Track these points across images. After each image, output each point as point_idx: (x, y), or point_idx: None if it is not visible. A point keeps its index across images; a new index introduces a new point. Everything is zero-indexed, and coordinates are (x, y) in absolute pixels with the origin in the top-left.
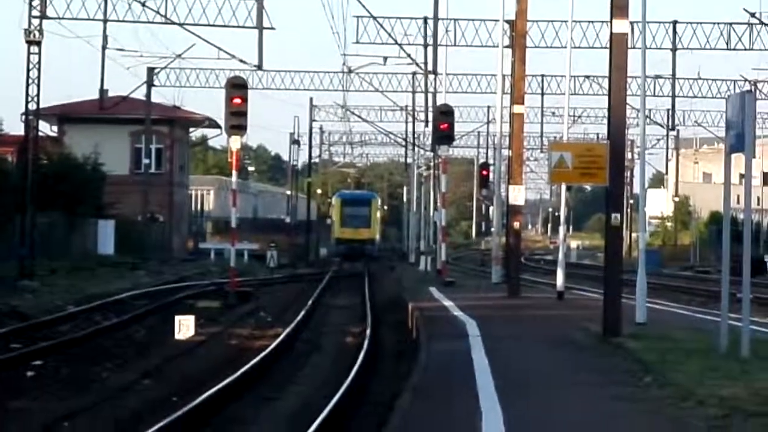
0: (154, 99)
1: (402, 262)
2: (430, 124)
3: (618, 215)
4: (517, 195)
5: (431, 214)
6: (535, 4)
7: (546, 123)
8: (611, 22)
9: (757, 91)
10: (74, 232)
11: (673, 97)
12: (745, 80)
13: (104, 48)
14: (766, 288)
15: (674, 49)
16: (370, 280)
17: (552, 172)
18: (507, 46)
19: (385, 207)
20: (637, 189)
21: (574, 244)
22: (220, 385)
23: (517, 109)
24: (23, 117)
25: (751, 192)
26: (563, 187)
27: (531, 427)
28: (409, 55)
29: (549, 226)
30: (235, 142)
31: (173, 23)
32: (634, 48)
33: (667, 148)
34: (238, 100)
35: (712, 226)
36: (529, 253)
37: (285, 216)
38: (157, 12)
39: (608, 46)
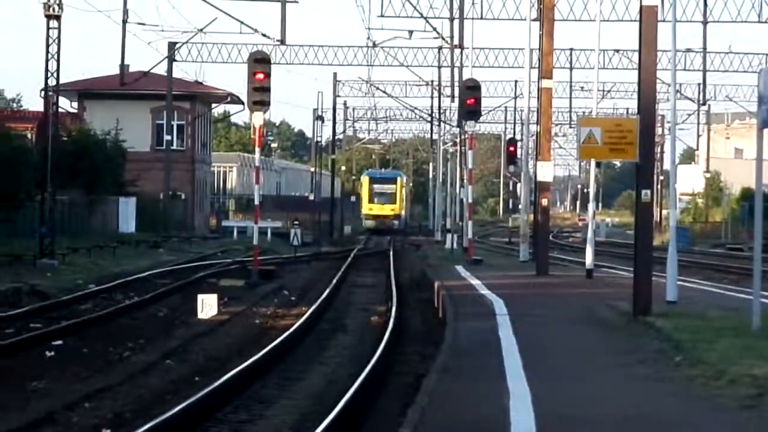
0: (176, 74)
1: (428, 239)
2: (456, 100)
3: (648, 191)
4: (546, 171)
5: (457, 191)
6: None
7: (575, 98)
8: None
9: None
10: (95, 210)
11: (704, 71)
12: None
13: (125, 22)
14: None
15: (705, 22)
16: (396, 259)
17: (581, 147)
18: (535, 20)
19: (410, 184)
20: (667, 165)
21: (607, 219)
22: (243, 365)
23: (545, 83)
24: (43, 93)
25: None
26: (592, 163)
27: (559, 408)
28: (434, 29)
29: (578, 203)
30: (258, 118)
31: None
32: (664, 21)
33: (698, 123)
34: (260, 76)
35: (744, 203)
36: (557, 231)
37: (309, 193)
38: None
39: (638, 19)
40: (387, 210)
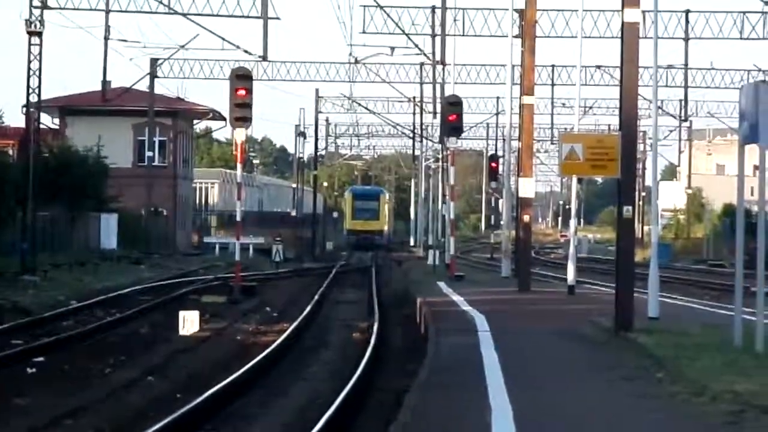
0: (158, 90)
1: (409, 255)
2: (438, 116)
3: (630, 208)
4: (527, 187)
5: (439, 207)
6: None
7: (556, 114)
8: (623, 10)
9: None
10: (76, 226)
11: (686, 87)
12: (759, 70)
13: (106, 39)
14: None
15: (687, 39)
16: (378, 275)
17: (563, 163)
18: (516, 36)
19: (393, 200)
20: (649, 181)
21: (585, 236)
22: (225, 382)
23: (526, 100)
24: (24, 109)
25: (766, 183)
26: (574, 179)
27: (541, 423)
28: (416, 45)
29: (560, 219)
30: (240, 134)
31: (177, 13)
32: (645, 38)
33: (680, 140)
34: (242, 92)
35: (726, 219)
36: (539, 247)
37: (291, 209)
38: (160, 2)
39: (620, 35)
40: (370, 226)
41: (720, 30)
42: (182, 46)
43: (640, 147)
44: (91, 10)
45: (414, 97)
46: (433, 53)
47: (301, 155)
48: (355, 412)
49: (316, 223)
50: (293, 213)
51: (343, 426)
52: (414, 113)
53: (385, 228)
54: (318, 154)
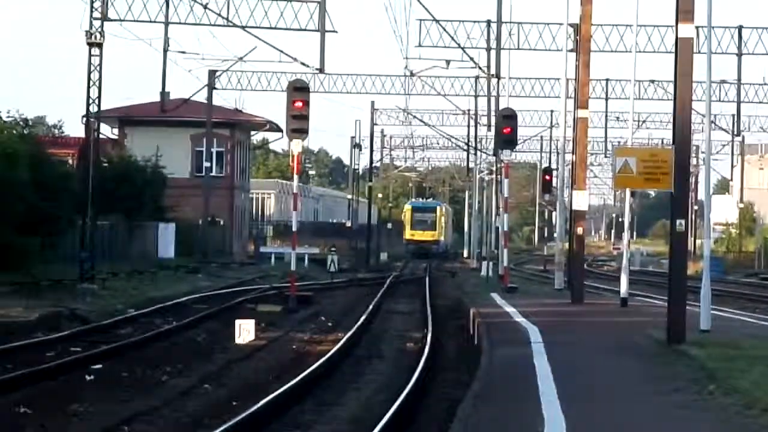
0: (216, 102)
1: (462, 266)
2: (493, 128)
3: (683, 221)
4: (581, 200)
5: (493, 218)
6: (599, 7)
7: (610, 128)
8: (677, 26)
9: None
10: (135, 235)
11: (739, 102)
12: None
13: (165, 50)
14: None
15: (740, 54)
16: (431, 286)
17: (616, 177)
18: (571, 50)
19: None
20: (701, 195)
21: (638, 249)
22: (281, 390)
23: (581, 113)
24: (84, 119)
25: None
26: (627, 192)
27: None
28: (471, 59)
29: (612, 231)
30: (297, 146)
31: (235, 26)
32: (699, 53)
33: (732, 154)
34: (299, 104)
35: None
36: (592, 259)
37: (346, 220)
38: (219, 14)
39: (674, 50)
40: (427, 236)
41: None
42: (240, 58)
43: (693, 161)
44: (150, 22)
45: (468, 110)
46: (488, 66)
47: (356, 167)
48: (408, 423)
49: (370, 234)
50: (348, 224)
51: None
52: (468, 126)
53: (442, 238)
54: (373, 165)
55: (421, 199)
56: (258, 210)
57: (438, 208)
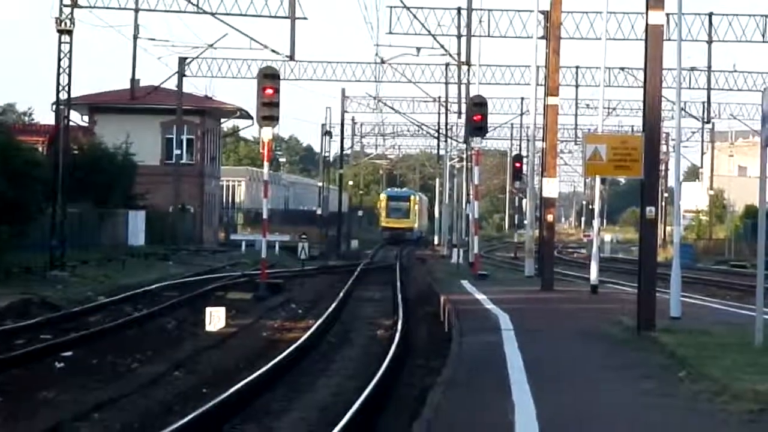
0: (186, 89)
1: (433, 254)
2: (463, 116)
3: (653, 208)
4: (551, 187)
5: (464, 206)
6: None
7: (580, 115)
8: (647, 13)
9: None
10: (105, 222)
11: (709, 89)
12: None
13: (136, 37)
14: None
15: (710, 41)
16: (402, 273)
17: (586, 164)
18: (541, 37)
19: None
20: (671, 182)
21: (607, 237)
22: (251, 377)
23: (551, 100)
24: (54, 106)
25: None
26: (597, 179)
27: (564, 421)
28: (442, 46)
29: (582, 219)
30: (267, 133)
31: (205, 12)
32: (669, 40)
33: (702, 141)
34: (269, 91)
35: (747, 220)
36: (562, 246)
37: (316, 207)
38: (189, 1)
39: (644, 37)
40: (401, 224)
41: (743, 33)
42: (210, 45)
43: (663, 148)
44: (120, 9)
45: (439, 97)
46: (459, 54)
47: (326, 154)
48: (379, 409)
49: (341, 222)
50: (319, 211)
51: (367, 423)
52: (439, 113)
53: (415, 226)
54: (343, 153)
55: (396, 188)
56: (228, 197)
57: (412, 197)
